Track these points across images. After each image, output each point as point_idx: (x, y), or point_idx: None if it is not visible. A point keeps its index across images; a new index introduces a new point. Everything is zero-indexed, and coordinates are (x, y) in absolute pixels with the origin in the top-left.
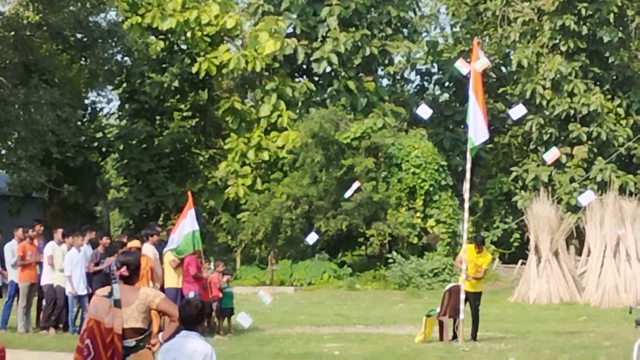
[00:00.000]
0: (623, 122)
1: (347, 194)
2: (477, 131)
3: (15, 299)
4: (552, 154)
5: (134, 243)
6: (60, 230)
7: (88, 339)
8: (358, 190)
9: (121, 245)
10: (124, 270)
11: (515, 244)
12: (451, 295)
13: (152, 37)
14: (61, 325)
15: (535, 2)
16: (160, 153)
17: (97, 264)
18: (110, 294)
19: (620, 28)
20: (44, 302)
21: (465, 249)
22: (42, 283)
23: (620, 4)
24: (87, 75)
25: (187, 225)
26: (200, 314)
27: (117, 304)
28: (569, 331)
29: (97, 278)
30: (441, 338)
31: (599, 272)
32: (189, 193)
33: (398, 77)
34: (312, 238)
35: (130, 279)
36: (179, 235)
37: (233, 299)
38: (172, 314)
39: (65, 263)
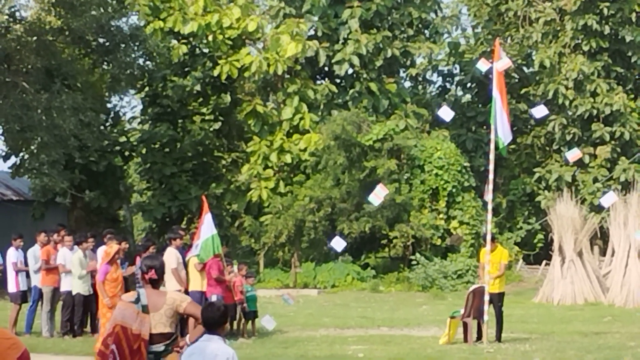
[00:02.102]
0: None
1: (376, 202)
2: (504, 131)
3: (40, 303)
4: (574, 154)
5: (112, 248)
6: (68, 238)
7: (114, 344)
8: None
9: (145, 249)
10: (152, 274)
11: (539, 244)
12: (475, 296)
13: (174, 41)
14: (87, 330)
15: (556, 2)
16: (182, 156)
17: None
18: (138, 300)
19: None
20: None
21: (481, 253)
22: (61, 289)
23: None
24: (110, 79)
25: (205, 230)
26: (222, 317)
27: (145, 309)
28: (594, 332)
29: None
30: (465, 339)
31: (624, 272)
32: (204, 198)
33: (420, 79)
34: (338, 244)
35: (157, 283)
36: (199, 241)
37: (256, 302)
38: (199, 318)
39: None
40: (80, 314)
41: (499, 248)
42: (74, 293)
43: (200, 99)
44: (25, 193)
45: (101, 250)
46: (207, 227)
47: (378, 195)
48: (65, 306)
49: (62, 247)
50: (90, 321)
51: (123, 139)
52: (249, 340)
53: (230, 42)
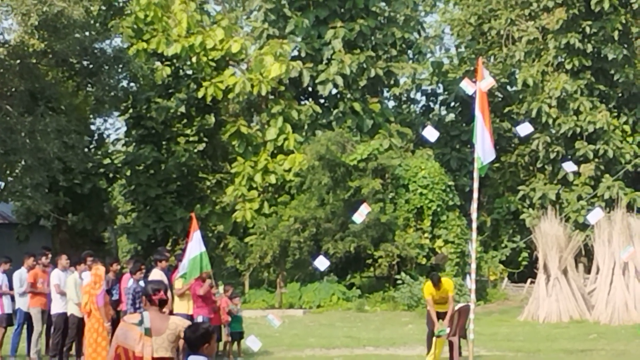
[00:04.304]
0: (630, 139)
1: (358, 220)
2: (485, 150)
3: (25, 327)
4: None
5: (100, 270)
6: (64, 257)
7: None
8: (367, 214)
9: (137, 270)
10: (162, 294)
11: (524, 262)
12: (460, 315)
13: (158, 63)
14: (73, 353)
15: (539, 21)
16: (167, 178)
17: (108, 291)
18: (141, 322)
19: (625, 45)
20: (52, 330)
21: (425, 288)
22: (52, 312)
23: (624, 21)
24: (94, 101)
25: (193, 248)
26: (202, 338)
27: (148, 332)
28: (580, 349)
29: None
30: (451, 358)
31: (608, 289)
32: (193, 215)
33: (404, 98)
34: (322, 263)
35: (165, 304)
36: (187, 260)
37: (242, 322)
38: None
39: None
40: (73, 335)
41: (443, 287)
42: (68, 314)
43: (185, 121)
44: (9, 216)
45: (87, 275)
46: (195, 245)
47: (361, 214)
48: (56, 328)
49: (56, 269)
50: (77, 344)
51: (107, 161)
52: None
53: (214, 64)
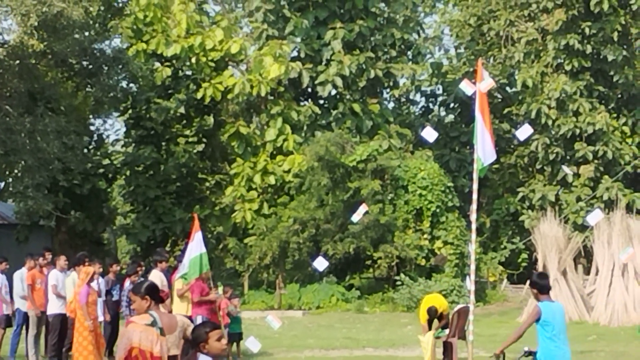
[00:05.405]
0: (629, 140)
1: (355, 219)
2: (485, 152)
3: (24, 328)
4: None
5: (89, 269)
6: (62, 258)
7: None
8: (365, 213)
9: (134, 271)
10: (164, 294)
11: (523, 264)
12: (460, 316)
13: (157, 64)
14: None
15: (538, 22)
16: (166, 179)
17: (108, 292)
18: (154, 322)
19: (625, 46)
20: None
21: (421, 312)
22: (49, 312)
23: (623, 22)
24: (93, 102)
25: (194, 248)
26: (205, 336)
27: (162, 332)
28: (579, 351)
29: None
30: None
31: (608, 290)
32: (195, 216)
33: (403, 99)
34: (321, 264)
35: (163, 301)
36: (187, 260)
37: (241, 323)
38: None
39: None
40: (71, 335)
41: (438, 306)
42: (67, 315)
43: (184, 121)
44: (9, 217)
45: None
46: (196, 245)
47: (358, 213)
48: (53, 329)
49: (54, 269)
50: None
51: (107, 161)
52: None
53: (213, 64)
